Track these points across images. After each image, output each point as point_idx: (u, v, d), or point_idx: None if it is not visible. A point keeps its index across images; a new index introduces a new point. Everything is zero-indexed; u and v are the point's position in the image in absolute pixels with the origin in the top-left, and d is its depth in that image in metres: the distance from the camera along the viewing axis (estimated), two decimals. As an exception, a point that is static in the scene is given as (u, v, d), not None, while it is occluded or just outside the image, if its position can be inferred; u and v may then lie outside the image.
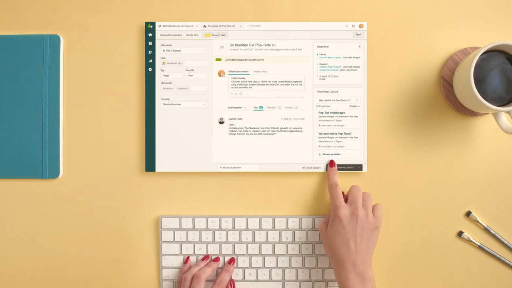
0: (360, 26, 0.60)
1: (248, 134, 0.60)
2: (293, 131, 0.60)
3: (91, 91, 0.61)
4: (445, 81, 0.60)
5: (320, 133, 0.60)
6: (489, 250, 0.60)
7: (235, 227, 0.60)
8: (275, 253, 0.60)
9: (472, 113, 0.60)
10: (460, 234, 0.61)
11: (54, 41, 0.60)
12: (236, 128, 0.60)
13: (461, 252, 0.61)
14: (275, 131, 0.60)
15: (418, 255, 0.61)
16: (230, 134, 0.60)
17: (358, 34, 0.60)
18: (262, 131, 0.60)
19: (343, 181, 0.61)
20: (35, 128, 0.60)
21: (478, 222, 0.61)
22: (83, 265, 0.61)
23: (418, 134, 0.61)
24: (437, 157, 0.61)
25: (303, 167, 0.60)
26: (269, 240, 0.60)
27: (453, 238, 0.61)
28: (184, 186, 0.61)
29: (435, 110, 0.61)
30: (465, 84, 0.54)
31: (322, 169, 0.60)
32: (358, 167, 0.60)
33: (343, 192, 0.59)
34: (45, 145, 0.60)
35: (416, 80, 0.61)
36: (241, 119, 0.60)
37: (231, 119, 0.60)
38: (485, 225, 0.61)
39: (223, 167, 0.60)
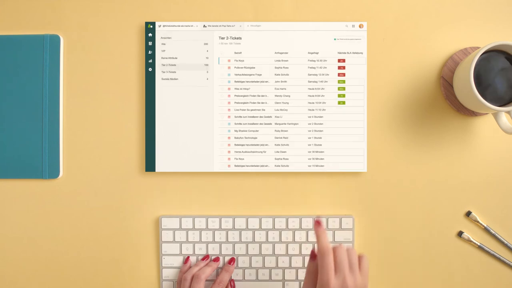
0: (360, 26, 0.60)
1: (248, 133, 0.60)
2: (293, 129, 0.60)
3: (91, 91, 0.61)
4: (445, 81, 0.60)
5: (319, 132, 0.60)
6: (489, 250, 0.60)
7: (235, 227, 0.60)
8: (275, 253, 0.60)
9: (472, 113, 0.60)
10: (460, 234, 0.61)
11: (54, 41, 0.60)
12: (236, 128, 0.60)
13: (461, 252, 0.61)
14: (275, 130, 0.60)
15: (418, 255, 0.61)
16: (230, 134, 0.60)
17: (358, 34, 0.60)
18: (263, 130, 0.60)
19: (344, 182, 0.61)
20: (35, 128, 0.60)
21: (478, 222, 0.61)
22: (83, 265, 0.61)
23: (418, 134, 0.61)
24: (437, 157, 0.61)
25: (304, 167, 0.60)
26: (269, 240, 0.60)
27: (453, 238, 0.61)
28: (184, 186, 0.61)
29: (435, 110, 0.61)
30: (465, 84, 0.54)
31: (323, 169, 0.60)
32: (358, 167, 0.60)
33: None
34: (45, 145, 0.60)
35: (416, 80, 0.61)
36: (241, 118, 0.60)
37: (231, 118, 0.60)
38: (485, 225, 0.61)
39: (224, 167, 0.60)
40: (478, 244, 0.60)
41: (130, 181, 0.61)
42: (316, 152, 0.60)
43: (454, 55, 0.60)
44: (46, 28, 0.61)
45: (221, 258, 0.60)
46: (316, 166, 0.60)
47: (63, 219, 0.61)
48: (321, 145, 0.60)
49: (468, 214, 0.61)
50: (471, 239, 0.61)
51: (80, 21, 0.61)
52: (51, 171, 0.60)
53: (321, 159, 0.60)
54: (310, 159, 0.60)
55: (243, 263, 0.60)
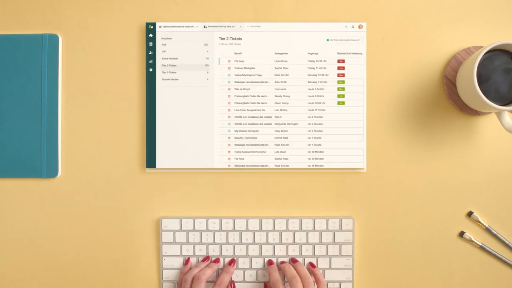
0: (360, 26, 0.60)
1: (249, 133, 0.60)
2: (293, 130, 0.60)
3: (90, 91, 0.61)
4: (448, 80, 0.60)
5: (319, 132, 0.60)
6: (491, 250, 0.60)
7: (236, 228, 0.60)
8: (276, 254, 0.60)
9: (475, 113, 0.60)
10: (461, 234, 0.61)
11: (52, 40, 0.60)
12: (237, 128, 0.60)
13: (462, 252, 0.61)
14: (275, 130, 0.60)
15: (418, 255, 0.61)
16: (230, 134, 0.60)
17: (358, 35, 0.60)
18: (263, 130, 0.60)
19: (343, 182, 0.61)
20: (34, 128, 0.60)
21: (479, 222, 0.60)
22: (83, 265, 0.61)
23: (421, 134, 0.61)
24: (439, 157, 0.61)
25: (304, 167, 0.60)
26: (269, 242, 0.60)
27: (454, 238, 0.61)
28: (184, 186, 0.61)
29: (438, 110, 0.61)
30: (468, 83, 0.54)
31: (323, 169, 0.60)
32: (358, 167, 0.60)
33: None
34: (44, 144, 0.60)
35: (419, 80, 0.61)
36: (241, 118, 0.60)
37: (231, 118, 0.60)
38: (486, 225, 0.60)
39: (224, 166, 0.60)
40: (480, 244, 0.60)
41: (130, 182, 0.61)
42: (316, 152, 0.60)
43: (457, 55, 0.60)
44: (46, 28, 0.61)
45: (221, 259, 0.60)
46: (316, 166, 0.60)
47: (63, 218, 0.61)
48: (320, 145, 0.60)
49: (470, 214, 0.60)
50: (473, 239, 0.60)
51: (80, 21, 0.61)
52: (50, 170, 0.60)
53: (321, 159, 0.60)
54: (310, 159, 0.60)
55: (243, 264, 0.60)
